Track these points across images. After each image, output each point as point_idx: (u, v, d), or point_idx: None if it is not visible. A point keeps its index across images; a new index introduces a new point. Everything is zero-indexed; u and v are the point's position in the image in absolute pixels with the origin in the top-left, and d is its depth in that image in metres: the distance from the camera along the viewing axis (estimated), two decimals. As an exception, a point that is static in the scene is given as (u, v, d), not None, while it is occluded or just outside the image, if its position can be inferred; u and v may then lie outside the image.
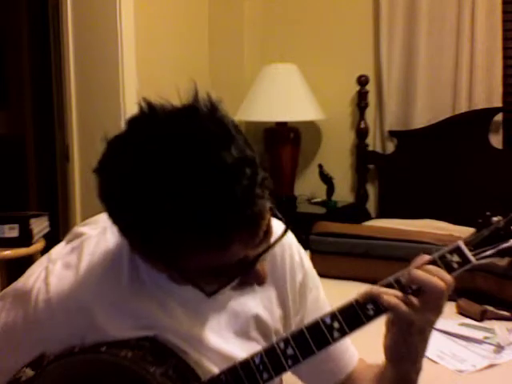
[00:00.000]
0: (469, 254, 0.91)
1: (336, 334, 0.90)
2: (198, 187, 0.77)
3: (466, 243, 0.92)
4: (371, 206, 3.47)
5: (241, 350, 1.01)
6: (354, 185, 3.50)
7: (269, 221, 0.86)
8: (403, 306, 0.89)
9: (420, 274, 0.91)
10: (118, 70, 3.01)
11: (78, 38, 3.11)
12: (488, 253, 0.91)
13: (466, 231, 2.52)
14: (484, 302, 2.11)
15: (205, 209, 0.77)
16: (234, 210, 0.78)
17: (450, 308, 2.13)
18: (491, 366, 1.74)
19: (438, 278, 0.89)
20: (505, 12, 3.08)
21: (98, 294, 0.97)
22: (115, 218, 0.85)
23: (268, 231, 0.86)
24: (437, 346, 1.85)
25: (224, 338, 1.02)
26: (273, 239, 0.89)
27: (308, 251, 2.58)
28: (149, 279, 0.98)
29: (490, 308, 2.08)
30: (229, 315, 1.03)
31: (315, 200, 3.48)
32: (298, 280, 1.09)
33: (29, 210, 3.97)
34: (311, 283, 1.12)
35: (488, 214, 0.94)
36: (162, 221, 0.79)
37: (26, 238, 2.84)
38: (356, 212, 3.37)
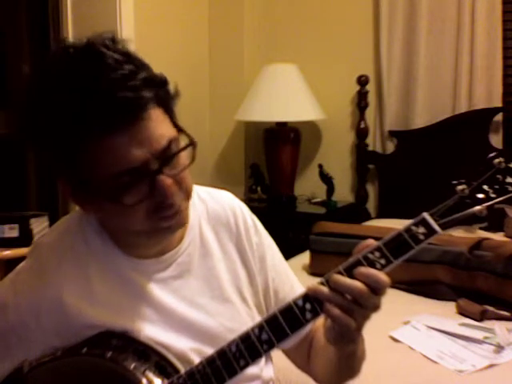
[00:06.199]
0: (434, 224, 0.90)
1: (308, 315, 0.91)
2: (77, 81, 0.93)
3: (432, 214, 0.91)
4: (371, 206, 3.47)
5: (220, 313, 1.08)
6: (354, 185, 3.51)
7: (174, 139, 0.95)
8: (344, 318, 0.90)
9: (344, 284, 0.91)
10: (118, 69, 3.01)
11: (78, 38, 3.10)
12: (454, 221, 0.90)
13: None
14: (484, 302, 2.11)
15: (81, 98, 0.91)
16: (105, 94, 0.90)
17: (450, 308, 2.13)
18: (491, 366, 1.73)
19: (364, 283, 0.90)
20: (505, 12, 3.09)
21: (65, 286, 1.01)
22: (37, 143, 1.02)
23: (174, 147, 0.94)
24: (437, 346, 1.84)
25: (198, 307, 1.06)
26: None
27: (308, 251, 2.58)
28: (112, 264, 1.03)
29: (490, 308, 2.07)
30: (199, 282, 1.08)
31: (315, 200, 3.48)
32: (255, 241, 1.15)
33: (29, 209, 3.96)
34: (266, 242, 1.18)
35: (454, 182, 0.92)
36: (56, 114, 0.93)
37: (25, 238, 2.83)
38: (356, 212, 3.37)
